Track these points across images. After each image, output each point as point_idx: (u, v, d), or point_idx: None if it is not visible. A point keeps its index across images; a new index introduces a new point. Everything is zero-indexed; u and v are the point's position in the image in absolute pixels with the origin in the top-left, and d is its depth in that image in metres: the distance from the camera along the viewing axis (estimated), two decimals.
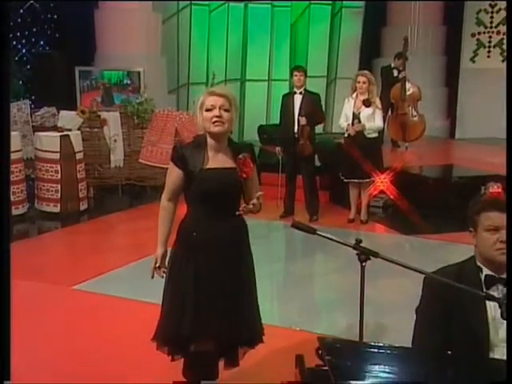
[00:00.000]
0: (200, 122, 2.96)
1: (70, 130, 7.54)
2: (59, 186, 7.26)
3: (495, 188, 8.32)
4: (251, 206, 2.87)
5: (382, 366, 1.83)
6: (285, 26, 11.17)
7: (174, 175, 3.00)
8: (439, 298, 2.40)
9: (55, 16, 10.77)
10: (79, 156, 7.45)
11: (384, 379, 1.78)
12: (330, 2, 11.36)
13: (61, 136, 7.29)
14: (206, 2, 10.42)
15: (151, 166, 8.23)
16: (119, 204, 8.06)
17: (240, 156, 2.95)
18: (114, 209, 7.81)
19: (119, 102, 8.60)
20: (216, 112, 2.88)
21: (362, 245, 2.31)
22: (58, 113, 8.13)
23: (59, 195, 7.28)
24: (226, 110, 2.90)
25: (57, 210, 7.30)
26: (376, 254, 2.24)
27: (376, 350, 2.02)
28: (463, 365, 2.10)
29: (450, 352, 2.29)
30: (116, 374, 3.57)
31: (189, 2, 10.25)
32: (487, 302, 2.29)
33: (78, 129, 7.77)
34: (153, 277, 3.07)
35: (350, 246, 2.27)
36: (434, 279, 2.39)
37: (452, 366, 2.11)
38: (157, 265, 3.06)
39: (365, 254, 2.25)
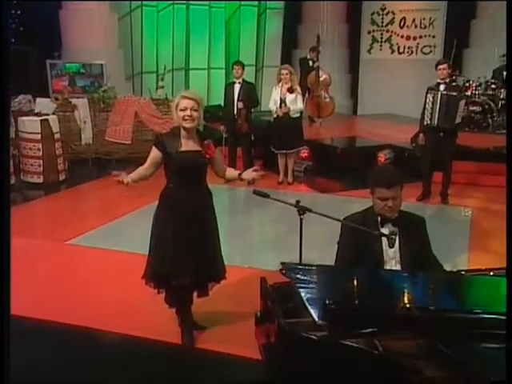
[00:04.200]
0: (175, 118, 3.31)
1: (47, 114, 7.58)
2: (41, 161, 7.37)
3: (382, 156, 9.24)
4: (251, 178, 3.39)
5: (324, 278, 2.39)
6: (220, 23, 11.30)
7: (152, 155, 3.36)
8: (351, 235, 2.93)
9: (19, 12, 10.51)
10: (57, 136, 7.53)
11: (324, 286, 2.34)
12: (256, 3, 11.54)
13: (41, 120, 7.36)
14: (155, 3, 10.42)
15: (115, 143, 8.42)
16: (90, 175, 8.07)
17: (205, 142, 3.36)
18: (86, 179, 7.87)
19: (80, 84, 8.78)
20: (188, 112, 3.22)
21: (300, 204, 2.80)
22: (34, 99, 8.11)
23: (41, 169, 7.39)
24: (195, 110, 3.24)
25: (40, 180, 7.42)
26: (310, 210, 2.75)
27: (320, 269, 2.57)
28: (368, 274, 2.71)
29: (358, 267, 2.87)
30: (109, 313, 3.81)
31: (140, 3, 10.25)
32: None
33: (53, 113, 7.78)
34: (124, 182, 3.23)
35: (292, 205, 2.75)
36: (347, 224, 2.94)
37: (361, 275, 2.71)
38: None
39: (302, 210, 2.75)
